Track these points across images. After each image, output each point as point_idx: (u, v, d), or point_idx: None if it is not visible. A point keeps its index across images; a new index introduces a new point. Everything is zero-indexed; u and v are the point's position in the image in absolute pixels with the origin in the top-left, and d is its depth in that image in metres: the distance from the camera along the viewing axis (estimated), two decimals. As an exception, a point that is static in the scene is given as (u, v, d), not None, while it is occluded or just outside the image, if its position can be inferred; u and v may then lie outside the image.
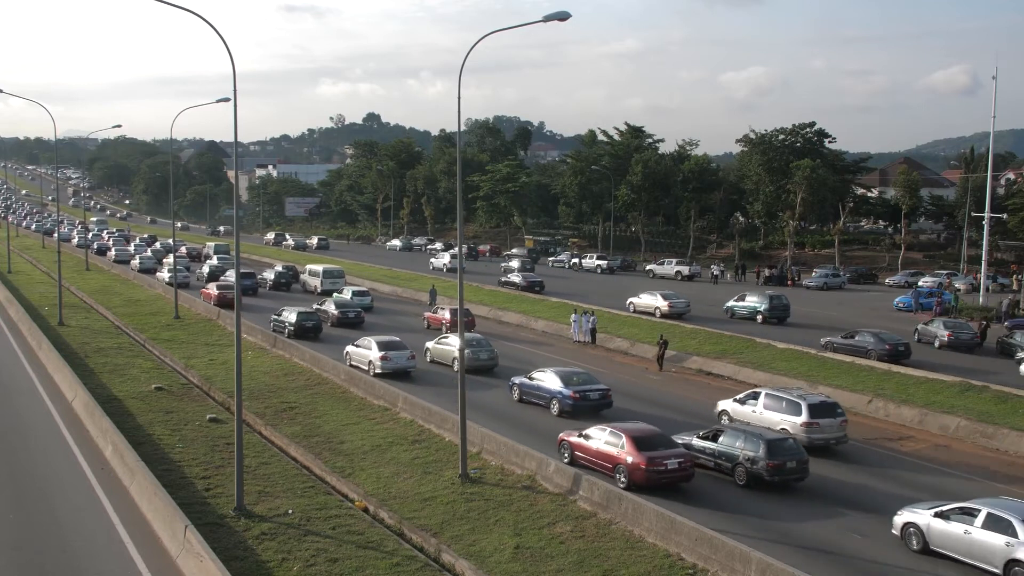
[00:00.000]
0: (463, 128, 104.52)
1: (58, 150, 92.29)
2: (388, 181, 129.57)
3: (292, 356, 41.03)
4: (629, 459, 23.75)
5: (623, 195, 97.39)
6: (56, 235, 68.91)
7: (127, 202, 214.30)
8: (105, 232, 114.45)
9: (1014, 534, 18.44)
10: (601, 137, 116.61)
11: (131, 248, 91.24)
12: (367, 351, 37.74)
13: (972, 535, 19.25)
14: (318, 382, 36.46)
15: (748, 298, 53.63)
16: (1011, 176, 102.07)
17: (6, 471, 25.00)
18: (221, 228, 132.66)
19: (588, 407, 30.76)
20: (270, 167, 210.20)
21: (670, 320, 49.96)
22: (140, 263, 77.33)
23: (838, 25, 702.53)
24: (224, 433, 28.41)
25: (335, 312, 49.64)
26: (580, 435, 25.56)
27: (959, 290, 62.70)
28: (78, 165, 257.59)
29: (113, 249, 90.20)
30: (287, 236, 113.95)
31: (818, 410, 28.13)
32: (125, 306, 58.57)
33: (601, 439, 24.70)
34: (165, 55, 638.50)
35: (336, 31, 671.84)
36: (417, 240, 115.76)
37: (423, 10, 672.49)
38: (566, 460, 25.56)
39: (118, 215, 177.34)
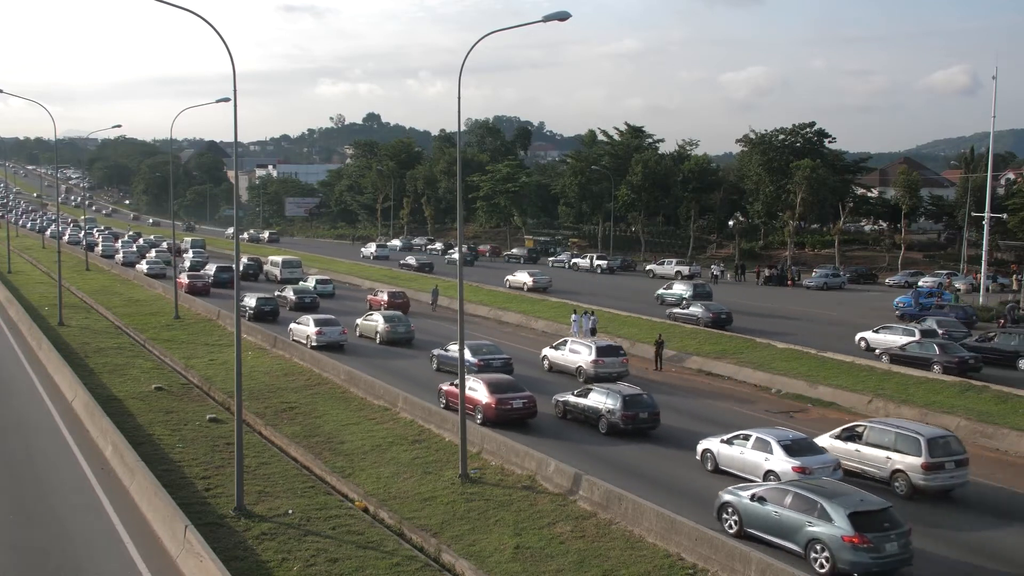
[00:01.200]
0: (463, 128, 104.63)
1: (58, 150, 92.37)
2: (388, 181, 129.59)
3: (292, 356, 41.03)
4: (484, 400, 29.80)
5: (623, 195, 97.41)
6: (57, 235, 69.64)
7: (127, 202, 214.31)
8: (95, 230, 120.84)
9: (770, 451, 23.76)
10: (601, 137, 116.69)
11: (118, 244, 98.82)
12: (306, 327, 43.48)
13: (744, 455, 24.54)
14: (318, 382, 36.46)
15: (676, 286, 60.45)
16: (1011, 176, 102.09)
17: (6, 471, 24.99)
18: (195, 225, 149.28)
19: (490, 371, 35.37)
20: (270, 167, 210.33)
21: (536, 294, 56.15)
22: (123, 257, 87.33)
23: (838, 25, 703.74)
24: (224, 433, 28.40)
25: (293, 298, 55.31)
26: (452, 384, 30.76)
27: (959, 290, 62.74)
28: (78, 165, 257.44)
29: (101, 244, 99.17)
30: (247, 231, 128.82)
31: (603, 351, 37.15)
32: (125, 306, 58.57)
33: (467, 386, 28.20)
34: (165, 55, 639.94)
35: (335, 31, 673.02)
36: (417, 240, 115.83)
37: (423, 10, 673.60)
38: (442, 405, 31.50)
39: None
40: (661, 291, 60.55)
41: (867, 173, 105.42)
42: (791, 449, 23.65)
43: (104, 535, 20.47)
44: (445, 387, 32.14)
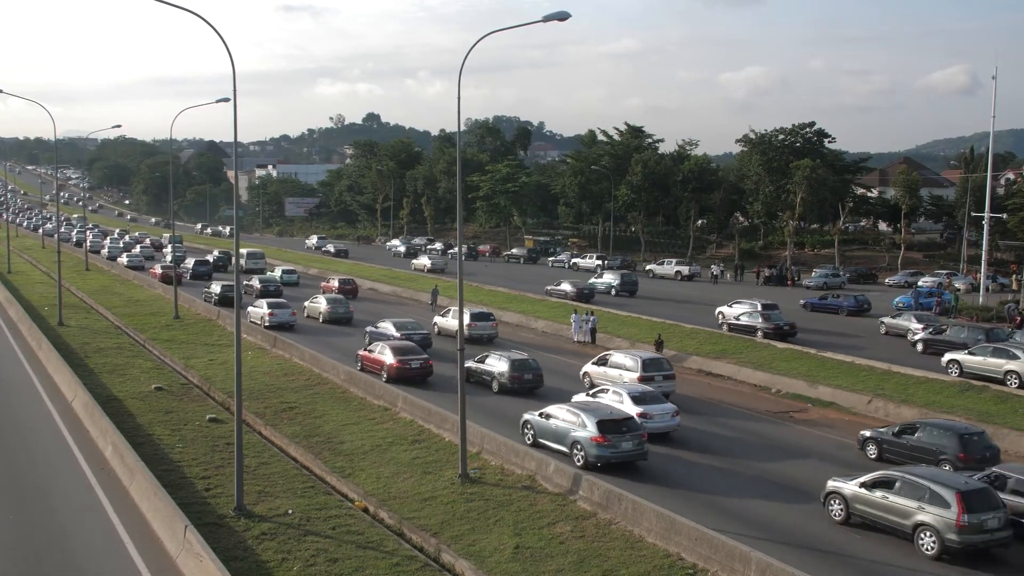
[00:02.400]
0: (463, 128, 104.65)
1: (58, 150, 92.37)
2: (388, 181, 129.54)
3: (292, 356, 41.05)
4: (388, 361, 35.77)
5: (623, 195, 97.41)
6: (56, 235, 70.25)
7: (127, 202, 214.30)
8: (86, 228, 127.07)
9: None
10: (601, 137, 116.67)
11: (105, 241, 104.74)
12: (260, 309, 49.63)
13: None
14: (318, 382, 36.47)
15: (605, 275, 66.90)
16: (1011, 176, 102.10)
17: (6, 471, 24.99)
18: (174, 223, 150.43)
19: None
20: (270, 167, 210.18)
21: (437, 278, 64.40)
22: (108, 251, 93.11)
23: (837, 25, 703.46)
24: (224, 433, 28.41)
25: (258, 286, 60.24)
26: (367, 350, 37.83)
27: (959, 290, 62.74)
28: (78, 165, 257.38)
29: (89, 240, 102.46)
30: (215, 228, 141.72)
31: (476, 316, 45.18)
32: (125, 306, 58.58)
33: (376, 351, 36.80)
34: (165, 55, 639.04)
35: (334, 31, 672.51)
36: (417, 240, 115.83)
37: (423, 10, 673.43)
38: (359, 368, 37.22)
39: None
40: (593, 280, 65.42)
41: (867, 173, 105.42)
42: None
43: (104, 535, 20.47)
44: (361, 352, 38.55)
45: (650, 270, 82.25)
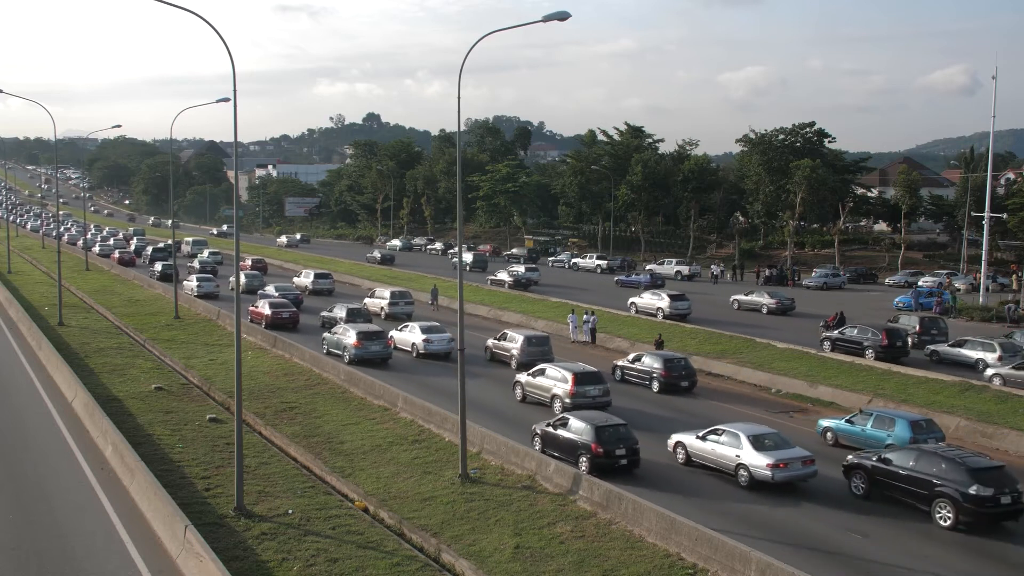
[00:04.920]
0: (463, 128, 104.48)
1: (58, 150, 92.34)
2: (388, 181, 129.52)
3: (292, 356, 41.04)
4: (265, 312, 47.99)
5: (623, 195, 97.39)
6: (54, 234, 70.82)
7: (127, 202, 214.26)
8: (71, 223, 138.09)
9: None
10: (601, 137, 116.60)
11: (88, 235, 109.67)
12: (191, 283, 63.05)
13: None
14: (318, 382, 36.46)
15: (513, 267, 72.60)
16: (1011, 176, 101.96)
17: (6, 471, 25.00)
18: (150, 219, 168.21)
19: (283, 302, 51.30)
20: (270, 167, 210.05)
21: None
22: (83, 243, 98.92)
23: (837, 25, 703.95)
24: (224, 433, 28.40)
25: (197, 266, 75.95)
26: (253, 306, 49.71)
27: (959, 290, 62.74)
28: (78, 165, 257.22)
29: (71, 232, 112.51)
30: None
31: (396, 295, 54.50)
32: (125, 306, 58.58)
33: (259, 306, 49.36)
34: (165, 55, 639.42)
35: (333, 31, 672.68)
36: (417, 240, 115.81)
37: (423, 10, 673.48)
38: (248, 320, 49.03)
39: (105, 212, 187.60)
40: (504, 270, 71.33)
41: (867, 173, 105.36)
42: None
43: (104, 535, 20.47)
44: (250, 308, 50.26)
45: (650, 270, 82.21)
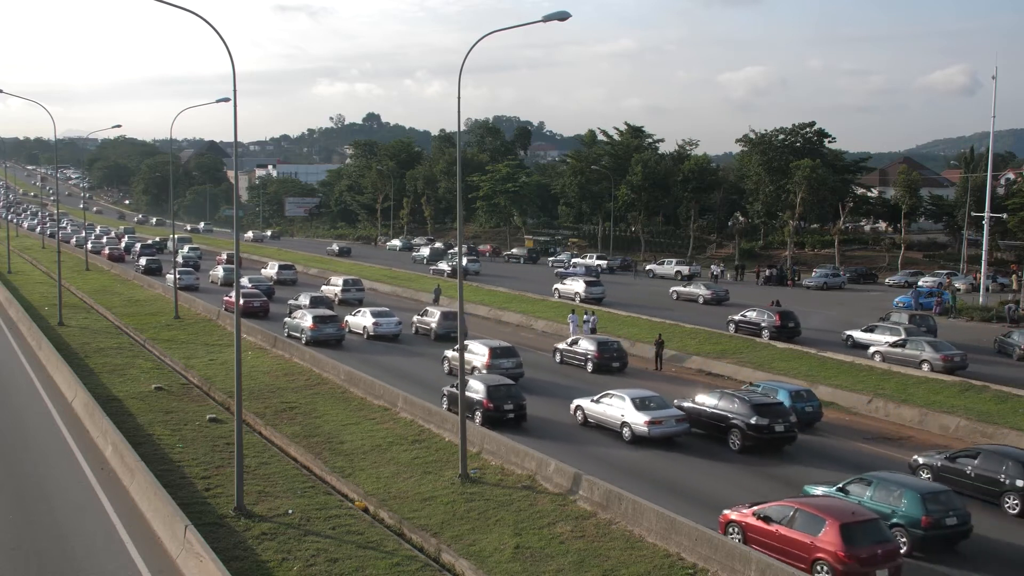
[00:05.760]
0: (463, 128, 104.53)
1: (58, 150, 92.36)
2: (388, 181, 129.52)
3: (292, 356, 41.04)
4: (306, 325, 45.18)
5: (623, 195, 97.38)
6: (58, 236, 70.79)
7: (127, 202, 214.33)
8: (65, 221, 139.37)
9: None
10: (601, 137, 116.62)
11: (82, 233, 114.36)
12: (171, 275, 62.57)
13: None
14: (318, 382, 36.46)
15: (454, 258, 74.58)
16: (1011, 176, 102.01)
17: (6, 471, 25.00)
18: (137, 218, 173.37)
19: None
20: (270, 167, 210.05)
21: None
22: (85, 244, 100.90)
23: (836, 25, 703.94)
24: (224, 433, 28.40)
25: (180, 260, 75.87)
26: (291, 317, 47.43)
27: (959, 290, 62.71)
28: (78, 165, 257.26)
29: (64, 231, 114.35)
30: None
31: (348, 283, 59.96)
32: (125, 306, 58.59)
33: (298, 316, 46.30)
34: (165, 55, 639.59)
35: (333, 31, 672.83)
36: (417, 240, 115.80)
37: (423, 10, 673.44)
38: (223, 308, 52.39)
39: (94, 210, 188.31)
40: (433, 267, 77.24)
41: (867, 173, 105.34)
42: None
43: (104, 535, 20.47)
44: (224, 298, 54.29)
45: (650, 270, 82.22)
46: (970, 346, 42.76)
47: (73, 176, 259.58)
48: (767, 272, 76.31)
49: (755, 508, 20.09)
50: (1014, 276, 68.87)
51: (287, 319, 46.92)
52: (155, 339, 46.68)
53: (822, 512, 18.86)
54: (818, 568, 18.24)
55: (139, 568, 18.77)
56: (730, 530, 20.27)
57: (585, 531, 21.05)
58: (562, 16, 22.58)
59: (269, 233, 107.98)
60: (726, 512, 20.71)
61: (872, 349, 41.06)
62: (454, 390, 30.20)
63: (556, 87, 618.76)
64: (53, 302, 54.87)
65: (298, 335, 44.64)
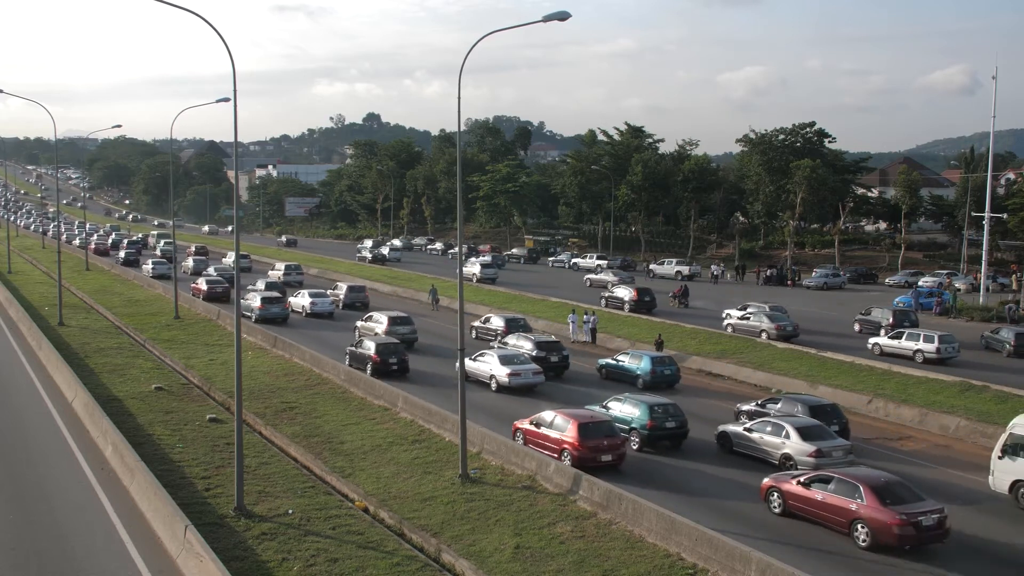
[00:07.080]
0: (463, 128, 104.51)
1: (58, 150, 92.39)
2: (388, 181, 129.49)
3: (292, 356, 41.04)
4: (202, 288, 57.62)
5: (623, 195, 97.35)
6: (58, 236, 71.29)
7: (127, 202, 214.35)
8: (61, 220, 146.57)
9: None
10: (601, 137, 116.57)
11: (75, 230, 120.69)
12: (147, 266, 76.65)
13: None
14: (318, 382, 36.46)
15: (378, 248, 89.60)
16: (1011, 176, 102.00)
17: (6, 471, 24.99)
18: (130, 216, 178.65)
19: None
20: (270, 167, 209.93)
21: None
22: (53, 234, 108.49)
23: (836, 25, 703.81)
24: (224, 433, 28.40)
25: (159, 253, 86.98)
26: (194, 283, 58.25)
27: (959, 290, 62.71)
28: (78, 165, 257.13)
29: (62, 229, 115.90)
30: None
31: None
32: (125, 306, 58.58)
33: (198, 283, 58.74)
34: (165, 55, 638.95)
35: (333, 31, 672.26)
36: (417, 240, 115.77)
37: (423, 10, 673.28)
38: (191, 294, 58.70)
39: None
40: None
41: (867, 173, 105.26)
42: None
43: (104, 535, 20.47)
44: (192, 285, 60.71)
45: (651, 270, 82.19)
46: (964, 343, 43.35)
47: (73, 176, 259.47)
48: (767, 272, 76.30)
49: (531, 418, 27.36)
50: (1014, 276, 68.87)
51: (242, 300, 48.27)
52: (155, 339, 46.67)
53: (567, 416, 26.23)
54: (564, 457, 25.35)
55: (139, 568, 18.77)
56: (517, 436, 27.37)
57: (585, 531, 21.05)
58: (562, 16, 22.57)
59: (284, 239, 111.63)
60: (515, 423, 28.02)
61: (726, 322, 48.06)
62: (354, 349, 38.66)
63: (556, 87, 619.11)
64: (53, 302, 54.86)
65: (248, 315, 49.79)
